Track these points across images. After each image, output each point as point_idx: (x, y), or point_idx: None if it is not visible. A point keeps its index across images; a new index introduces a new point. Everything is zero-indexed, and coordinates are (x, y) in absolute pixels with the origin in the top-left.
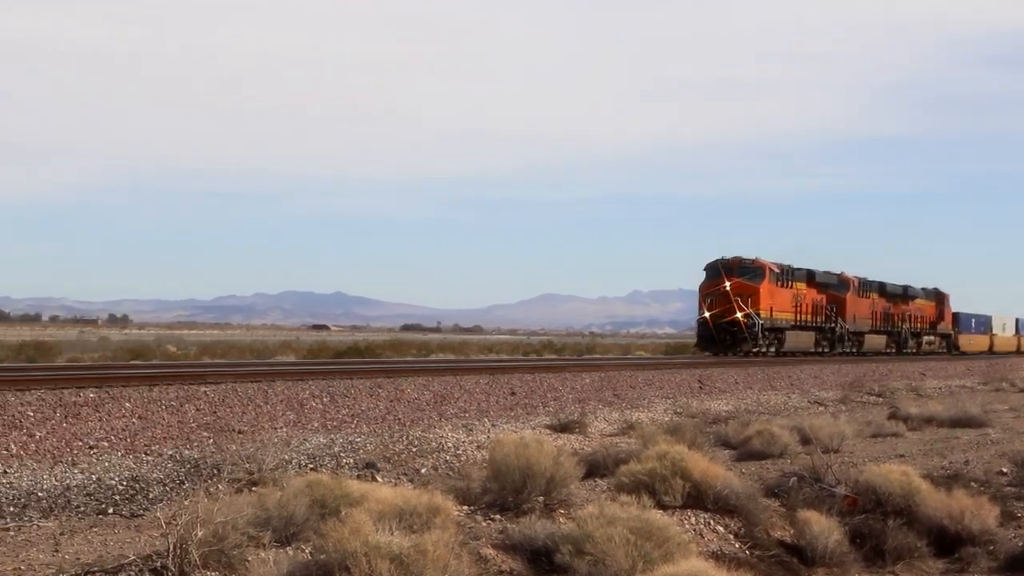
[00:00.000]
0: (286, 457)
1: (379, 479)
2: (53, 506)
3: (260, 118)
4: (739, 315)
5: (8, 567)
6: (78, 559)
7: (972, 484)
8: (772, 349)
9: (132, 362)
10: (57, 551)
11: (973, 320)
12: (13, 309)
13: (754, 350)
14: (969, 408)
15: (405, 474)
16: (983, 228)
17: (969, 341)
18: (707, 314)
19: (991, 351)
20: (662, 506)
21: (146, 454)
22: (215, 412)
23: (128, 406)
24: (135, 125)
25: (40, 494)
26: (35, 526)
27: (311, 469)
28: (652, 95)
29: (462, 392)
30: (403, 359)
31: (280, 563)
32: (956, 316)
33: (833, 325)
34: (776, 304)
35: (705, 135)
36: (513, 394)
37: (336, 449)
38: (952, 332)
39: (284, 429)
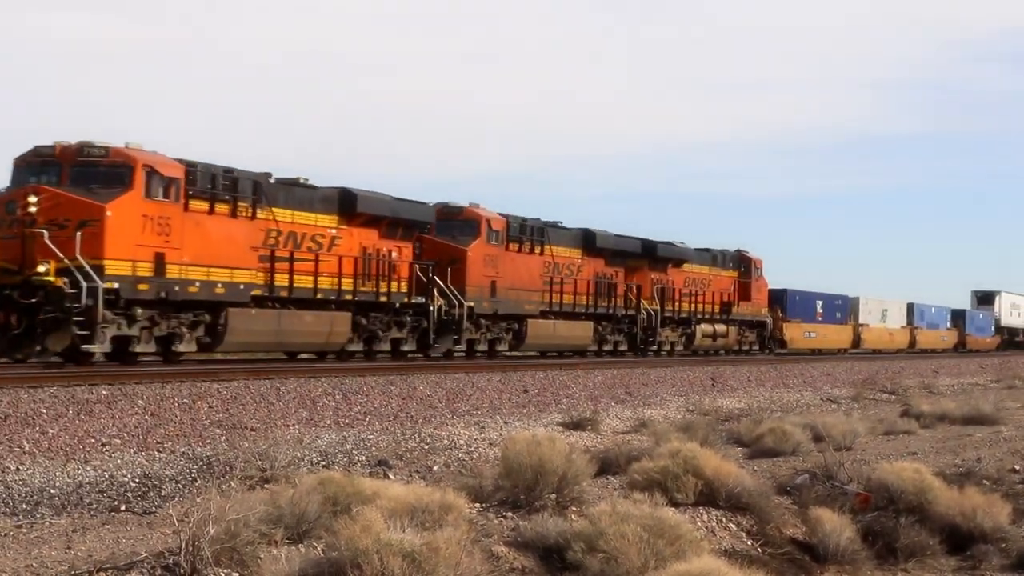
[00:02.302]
0: (298, 455)
1: (391, 477)
2: (66, 503)
3: (261, 117)
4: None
5: (21, 564)
6: (90, 556)
7: (984, 482)
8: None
9: (144, 359)
10: (69, 548)
11: (817, 302)
12: None
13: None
14: (982, 406)
15: (417, 471)
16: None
17: (805, 333)
18: None
19: (856, 347)
20: (674, 504)
21: (158, 451)
22: (227, 409)
23: (141, 403)
24: (135, 124)
25: (53, 491)
26: (48, 523)
27: (323, 467)
28: (651, 94)
29: (474, 389)
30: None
31: (292, 560)
32: (779, 296)
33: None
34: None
35: (705, 135)
36: (525, 391)
37: (348, 447)
38: (771, 319)
39: (296, 426)
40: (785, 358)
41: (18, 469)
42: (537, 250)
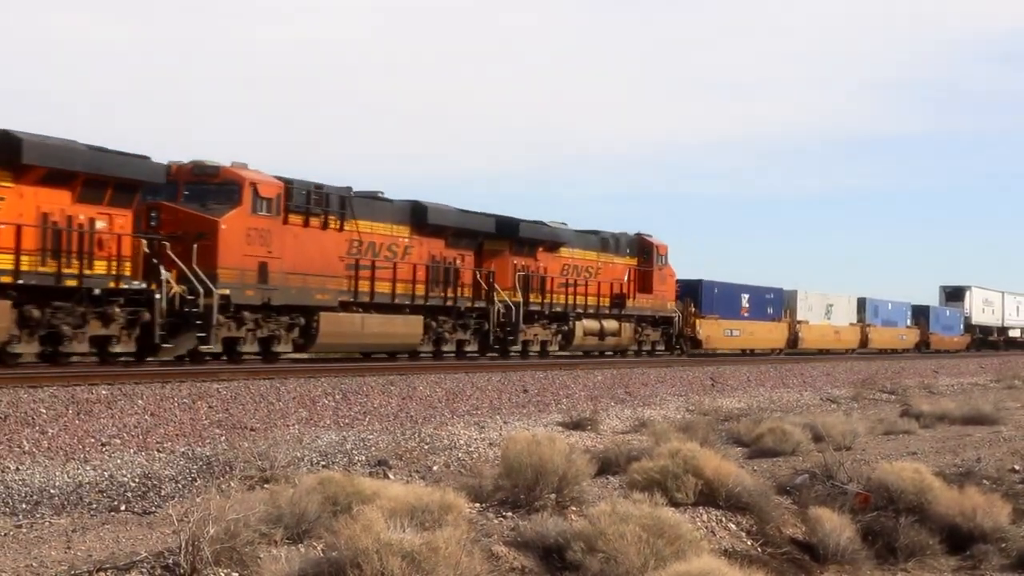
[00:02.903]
0: (298, 454)
1: (391, 476)
2: (65, 503)
3: (261, 117)
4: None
5: (20, 564)
6: (90, 556)
7: (984, 482)
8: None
9: (145, 359)
10: (69, 548)
11: (742, 296)
12: None
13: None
14: (981, 406)
15: (417, 471)
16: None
17: (725, 331)
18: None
19: (793, 347)
20: (674, 504)
21: (158, 451)
22: (227, 409)
23: (140, 403)
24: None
25: (52, 491)
26: (47, 523)
27: (323, 466)
28: (652, 93)
29: (474, 389)
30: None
31: (292, 560)
32: (692, 287)
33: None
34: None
35: (704, 134)
36: (525, 391)
37: (348, 446)
38: (682, 314)
39: (296, 426)
40: (784, 360)
41: (18, 469)
42: (336, 225)
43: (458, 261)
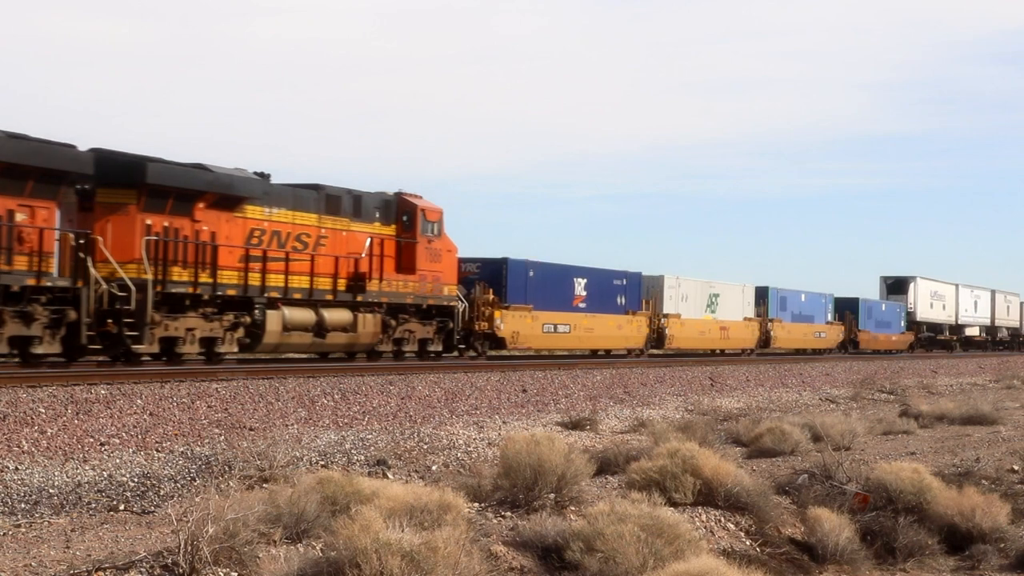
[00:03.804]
0: (297, 454)
1: (390, 476)
2: (64, 503)
3: (262, 116)
4: None
5: (19, 563)
6: (89, 556)
7: (983, 482)
8: None
9: (143, 359)
10: (68, 547)
11: (577, 282)
12: None
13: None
14: (981, 406)
15: (416, 471)
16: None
17: (546, 327)
18: None
19: (659, 347)
20: (673, 504)
21: (157, 451)
22: (226, 409)
23: (139, 403)
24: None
25: (51, 491)
26: (46, 523)
27: (322, 466)
28: (652, 93)
29: (473, 389)
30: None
31: (291, 560)
32: (494, 270)
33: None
34: None
35: (704, 134)
36: (524, 391)
37: (347, 446)
38: (474, 303)
39: (295, 426)
40: (783, 359)
41: (17, 468)
42: None
43: (20, 216)
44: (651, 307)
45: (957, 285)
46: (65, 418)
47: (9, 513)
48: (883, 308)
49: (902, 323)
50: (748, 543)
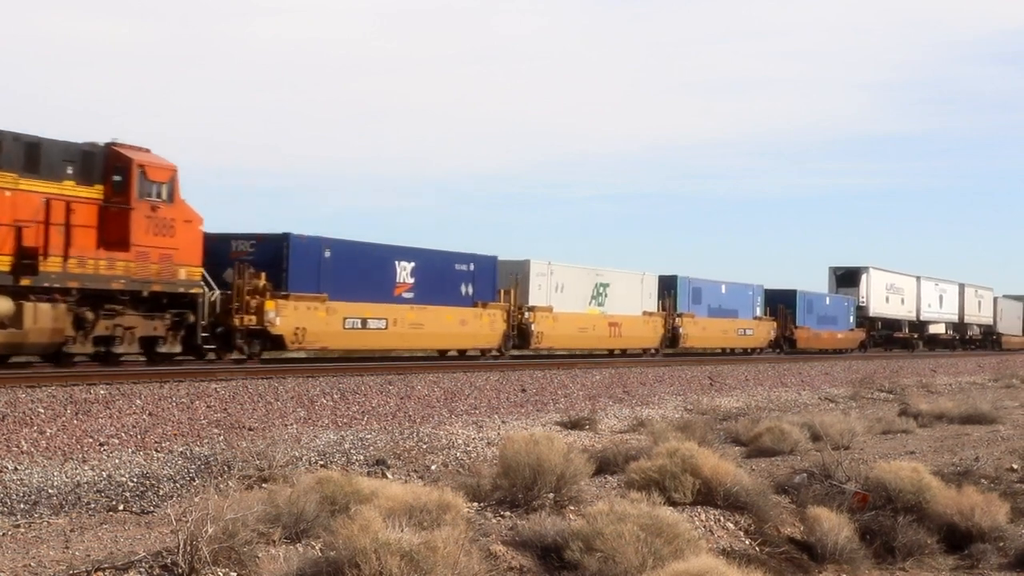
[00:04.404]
0: (296, 454)
1: (389, 476)
2: (64, 503)
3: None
4: None
5: (19, 564)
6: (88, 556)
7: (982, 481)
8: None
9: (142, 359)
10: (67, 548)
11: (400, 266)
12: None
13: None
14: (980, 405)
15: (415, 471)
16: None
17: (350, 322)
18: None
19: (523, 348)
20: (672, 503)
21: (156, 451)
22: (225, 409)
23: (139, 403)
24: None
25: (51, 491)
26: (46, 523)
27: (321, 466)
28: (652, 93)
29: (472, 389)
30: (413, 355)
31: (290, 560)
32: (273, 248)
33: None
34: None
35: (704, 134)
36: (523, 391)
37: (346, 446)
38: (233, 293)
39: (294, 426)
40: (782, 359)
41: (16, 469)
42: None
43: None
44: (511, 298)
45: (918, 277)
46: (64, 418)
47: (8, 513)
48: (827, 302)
49: (851, 319)
50: (747, 542)
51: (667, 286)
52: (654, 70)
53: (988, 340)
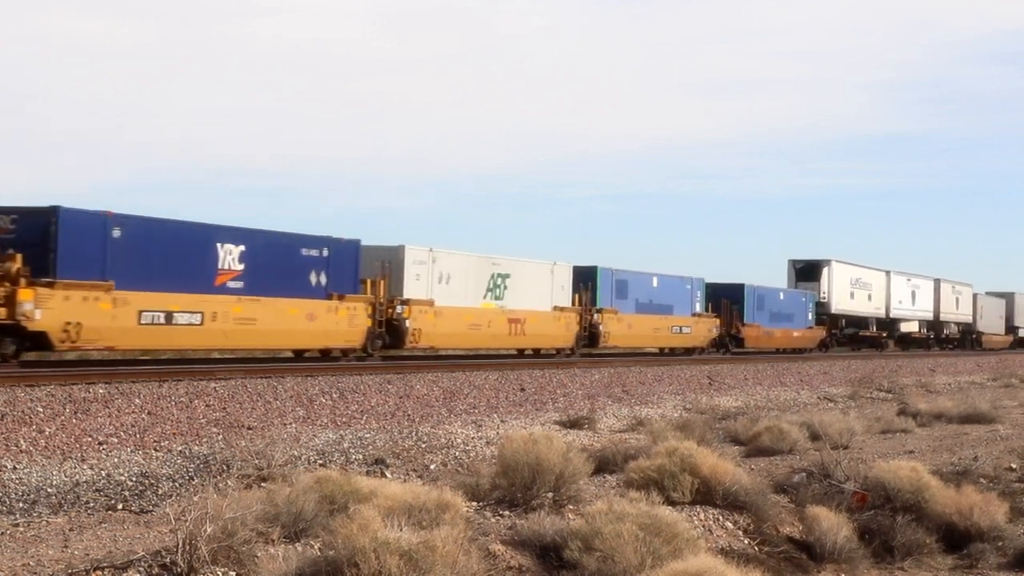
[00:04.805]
0: (295, 453)
1: (388, 475)
2: (62, 502)
3: (260, 115)
4: None
5: (18, 563)
6: (87, 555)
7: (981, 480)
8: None
9: (141, 357)
10: (66, 547)
11: (214, 247)
12: None
13: None
14: (978, 404)
15: (414, 470)
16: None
17: (110, 315)
18: None
19: (393, 347)
20: (671, 502)
21: (155, 450)
22: (224, 408)
23: (138, 402)
24: (134, 122)
25: (50, 490)
26: (44, 522)
27: (320, 465)
28: (652, 93)
29: (471, 388)
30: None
31: (289, 559)
32: (42, 228)
33: None
34: None
35: (703, 133)
36: (522, 390)
37: (345, 445)
38: None
39: (293, 425)
40: (781, 358)
41: (15, 468)
42: None
43: None
44: (378, 290)
45: (888, 271)
46: (63, 417)
47: (7, 512)
48: (781, 297)
49: (809, 316)
50: (746, 542)
51: (584, 277)
52: (654, 70)
53: (967, 339)
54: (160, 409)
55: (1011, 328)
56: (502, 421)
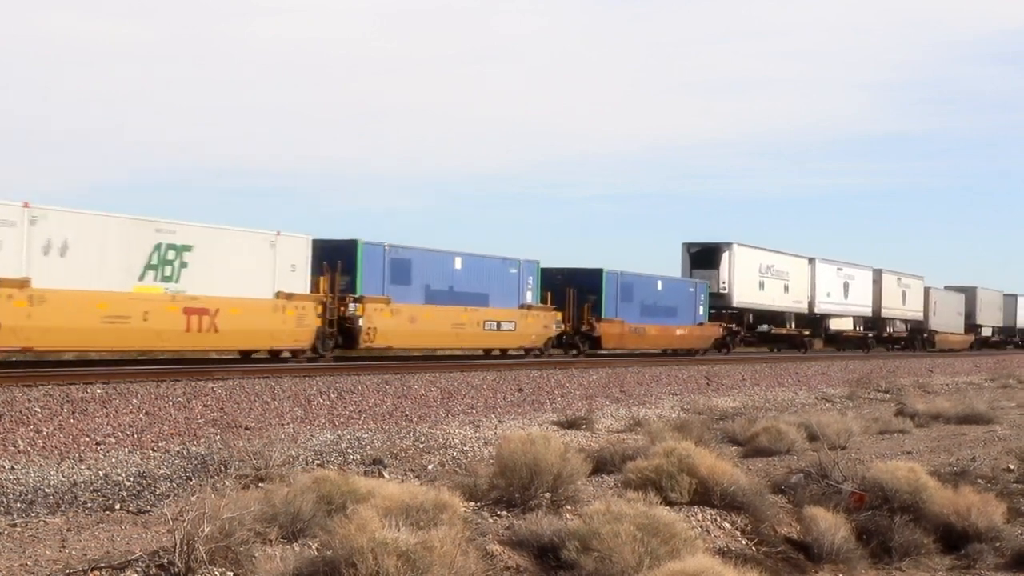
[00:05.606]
0: (293, 453)
1: (386, 475)
2: (60, 502)
3: (258, 114)
4: None
5: (15, 563)
6: (85, 555)
7: (979, 481)
8: None
9: (139, 358)
10: (64, 547)
11: None
12: None
13: None
14: (976, 405)
15: (412, 470)
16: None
17: None
18: None
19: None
20: (669, 503)
21: (153, 450)
22: (222, 408)
23: (135, 402)
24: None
25: (47, 490)
26: (42, 522)
27: (318, 465)
28: (652, 93)
29: (469, 388)
30: (410, 355)
31: (287, 559)
32: None
33: None
34: None
35: (703, 133)
36: (520, 390)
37: (343, 445)
38: None
39: (291, 425)
40: (779, 359)
41: (13, 468)
42: None
43: None
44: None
45: (813, 259)
46: (61, 417)
47: (5, 512)
48: (659, 287)
49: (700, 309)
50: (744, 542)
51: (334, 255)
52: (654, 70)
53: (916, 339)
54: (158, 409)
55: (972, 327)
56: (500, 421)
